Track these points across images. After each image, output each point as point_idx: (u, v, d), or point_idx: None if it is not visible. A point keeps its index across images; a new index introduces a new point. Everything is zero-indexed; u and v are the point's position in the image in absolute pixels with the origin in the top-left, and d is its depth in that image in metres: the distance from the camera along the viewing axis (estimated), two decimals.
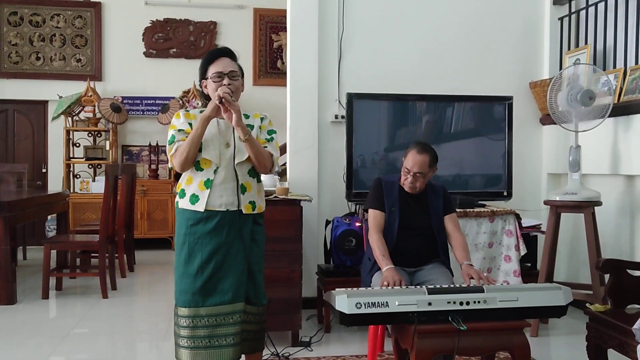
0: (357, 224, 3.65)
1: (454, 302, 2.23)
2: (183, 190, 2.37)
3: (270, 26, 7.46)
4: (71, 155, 6.90)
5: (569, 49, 4.33)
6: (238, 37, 7.29)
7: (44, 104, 7.18)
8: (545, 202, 3.72)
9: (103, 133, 7.04)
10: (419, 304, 2.21)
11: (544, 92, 3.99)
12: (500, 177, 3.93)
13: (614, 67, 3.93)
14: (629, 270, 2.63)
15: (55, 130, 7.06)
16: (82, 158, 6.94)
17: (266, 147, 2.40)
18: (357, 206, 3.93)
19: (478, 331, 2.23)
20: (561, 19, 4.39)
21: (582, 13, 4.21)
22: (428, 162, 2.75)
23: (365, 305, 2.19)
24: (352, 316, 2.20)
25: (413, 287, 2.48)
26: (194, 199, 2.33)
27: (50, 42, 7.17)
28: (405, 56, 4.21)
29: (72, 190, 6.74)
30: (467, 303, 2.24)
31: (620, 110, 3.58)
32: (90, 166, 7.04)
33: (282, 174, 4.80)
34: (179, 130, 2.36)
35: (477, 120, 3.95)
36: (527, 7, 4.41)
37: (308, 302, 3.81)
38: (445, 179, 3.67)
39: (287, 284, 3.30)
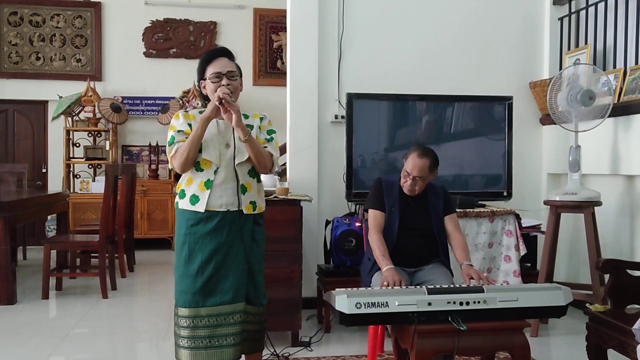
0: (357, 224, 3.64)
1: (454, 302, 2.23)
2: (183, 190, 2.37)
3: (270, 26, 7.46)
4: (71, 155, 6.90)
5: (569, 49, 4.33)
6: (238, 37, 7.29)
7: (44, 104, 7.18)
8: (545, 202, 3.72)
9: (103, 133, 7.04)
10: (419, 304, 2.21)
11: (544, 92, 3.99)
12: (500, 177, 3.93)
13: (614, 67, 3.93)
14: (628, 271, 2.63)
15: (55, 130, 7.06)
16: (82, 158, 6.94)
17: (266, 147, 2.40)
18: (357, 206, 3.93)
19: (478, 331, 2.23)
20: (561, 19, 4.38)
21: (582, 13, 4.21)
22: (428, 167, 2.74)
23: (365, 305, 2.19)
24: (352, 316, 2.19)
25: (413, 287, 2.48)
26: (194, 199, 2.32)
27: (50, 42, 7.17)
28: (405, 56, 4.21)
29: (72, 190, 6.74)
30: (467, 303, 2.24)
31: (620, 110, 3.58)
32: (90, 166, 7.04)
33: (282, 174, 4.79)
34: (179, 131, 2.36)
35: (477, 120, 3.95)
36: (527, 7, 4.41)
37: (308, 302, 3.81)
38: (445, 179, 3.66)
39: (287, 284, 3.30)
